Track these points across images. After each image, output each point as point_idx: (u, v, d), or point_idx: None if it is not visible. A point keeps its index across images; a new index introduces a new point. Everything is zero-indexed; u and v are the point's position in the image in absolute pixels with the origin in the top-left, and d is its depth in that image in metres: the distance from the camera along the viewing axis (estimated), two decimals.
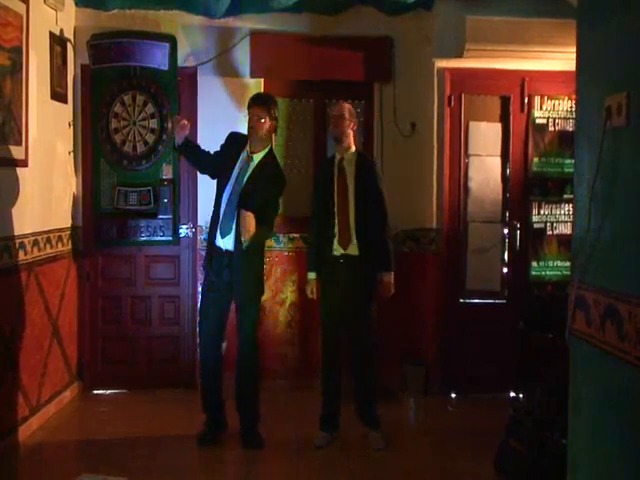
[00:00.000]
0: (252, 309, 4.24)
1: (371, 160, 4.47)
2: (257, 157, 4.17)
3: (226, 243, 4.12)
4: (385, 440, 4.21)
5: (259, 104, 4.15)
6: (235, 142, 4.26)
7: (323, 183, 4.27)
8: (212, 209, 4.24)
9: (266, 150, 4.21)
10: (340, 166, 4.22)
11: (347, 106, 4.30)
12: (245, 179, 4.12)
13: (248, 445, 4.18)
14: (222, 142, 4.30)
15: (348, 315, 4.21)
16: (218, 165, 4.24)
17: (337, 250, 4.16)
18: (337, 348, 4.25)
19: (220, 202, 4.16)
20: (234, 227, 4.07)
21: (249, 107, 4.17)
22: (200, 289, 4.47)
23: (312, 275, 4.28)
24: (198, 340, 4.41)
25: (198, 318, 4.39)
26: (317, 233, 4.27)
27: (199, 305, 4.41)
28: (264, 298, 4.52)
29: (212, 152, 4.31)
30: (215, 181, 4.26)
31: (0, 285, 3.97)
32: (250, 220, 3.91)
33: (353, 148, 4.28)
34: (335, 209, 4.16)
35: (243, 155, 4.18)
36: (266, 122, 4.13)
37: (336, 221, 4.15)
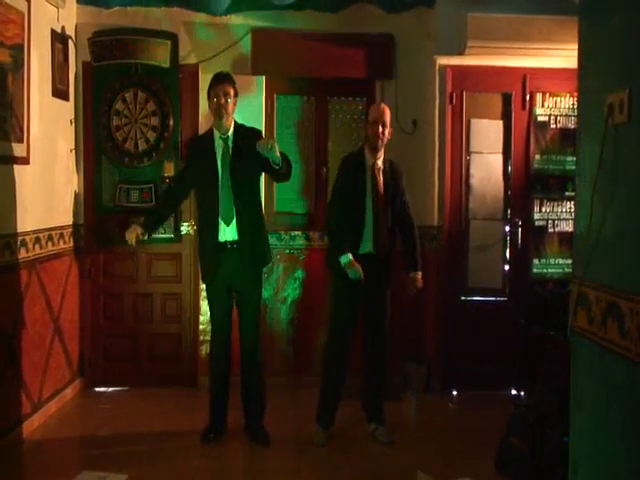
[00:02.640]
0: (258, 288, 4.26)
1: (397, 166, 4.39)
2: (230, 134, 4.16)
3: (232, 231, 4.10)
4: (391, 434, 4.23)
5: (226, 82, 4.14)
6: (199, 142, 4.28)
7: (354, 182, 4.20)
8: (203, 213, 4.22)
9: (233, 124, 4.20)
10: (373, 171, 4.20)
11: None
12: (229, 159, 4.11)
13: (257, 440, 4.18)
14: (184, 156, 4.43)
15: (372, 313, 4.21)
16: (192, 178, 4.22)
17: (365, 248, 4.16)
18: (350, 346, 4.23)
19: (215, 195, 4.09)
20: (234, 210, 4.07)
21: (215, 86, 4.12)
22: (204, 290, 4.44)
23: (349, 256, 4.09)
24: (210, 338, 4.40)
25: (209, 317, 4.36)
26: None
27: (210, 306, 4.31)
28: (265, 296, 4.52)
29: (179, 178, 4.38)
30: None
31: (2, 282, 3.97)
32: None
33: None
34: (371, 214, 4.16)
35: (218, 142, 4.15)
36: (233, 99, 4.15)
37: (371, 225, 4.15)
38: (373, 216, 4.15)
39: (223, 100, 4.08)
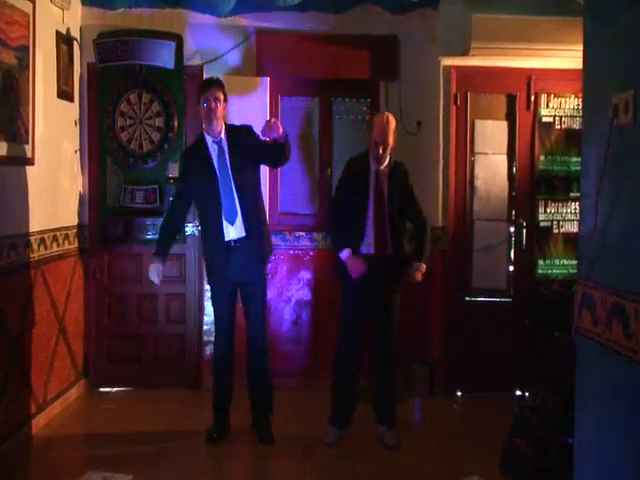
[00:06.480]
0: (263, 282, 4.28)
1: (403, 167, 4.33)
2: (223, 136, 4.16)
3: (237, 229, 4.11)
4: (399, 438, 4.22)
5: (216, 86, 4.14)
6: (192, 152, 4.27)
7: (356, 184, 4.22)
8: (205, 216, 4.20)
9: (224, 126, 4.19)
10: (378, 176, 4.18)
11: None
12: (227, 160, 4.12)
13: (261, 441, 4.19)
14: (180, 168, 4.43)
15: (378, 315, 4.21)
16: (191, 191, 4.21)
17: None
18: (357, 348, 4.23)
19: (217, 197, 4.10)
20: (238, 208, 4.09)
21: (204, 91, 4.11)
22: (208, 290, 4.46)
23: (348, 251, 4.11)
24: (214, 339, 4.41)
25: (213, 318, 4.36)
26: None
27: (214, 307, 4.33)
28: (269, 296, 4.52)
29: (179, 194, 4.31)
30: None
31: (7, 283, 3.98)
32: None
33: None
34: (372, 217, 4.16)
35: (212, 146, 4.15)
36: (222, 103, 4.14)
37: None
38: (375, 218, 4.13)
39: (213, 105, 4.08)
